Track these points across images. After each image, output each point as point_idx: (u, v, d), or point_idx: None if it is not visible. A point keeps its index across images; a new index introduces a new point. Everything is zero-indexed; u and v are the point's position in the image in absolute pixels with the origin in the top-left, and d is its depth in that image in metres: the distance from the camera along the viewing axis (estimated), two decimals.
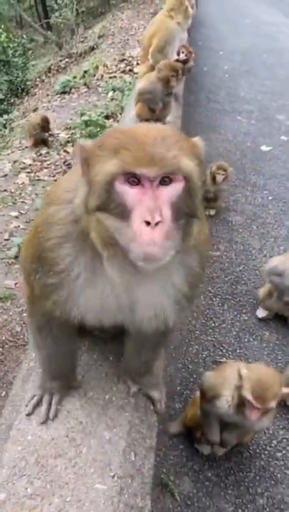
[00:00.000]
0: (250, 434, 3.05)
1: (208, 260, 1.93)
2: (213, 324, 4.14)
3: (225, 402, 2.67)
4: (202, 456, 3.13)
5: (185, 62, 5.83)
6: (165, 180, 1.36)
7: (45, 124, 7.90)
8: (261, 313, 4.22)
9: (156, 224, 1.32)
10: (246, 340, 4.01)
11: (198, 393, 3.07)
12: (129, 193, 1.36)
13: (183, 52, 5.72)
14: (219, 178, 5.21)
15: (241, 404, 2.59)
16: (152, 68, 5.44)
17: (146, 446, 2.05)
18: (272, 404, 2.49)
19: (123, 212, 1.36)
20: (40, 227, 1.68)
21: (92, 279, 1.61)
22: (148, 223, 1.31)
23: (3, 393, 4.23)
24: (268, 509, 2.90)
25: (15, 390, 2.24)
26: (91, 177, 1.40)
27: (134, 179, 1.35)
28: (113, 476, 1.82)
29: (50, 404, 2.07)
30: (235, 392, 2.62)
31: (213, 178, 5.23)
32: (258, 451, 3.20)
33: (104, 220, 1.40)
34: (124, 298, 1.63)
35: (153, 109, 5.12)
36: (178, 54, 5.72)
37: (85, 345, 2.33)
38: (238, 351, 3.90)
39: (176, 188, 1.38)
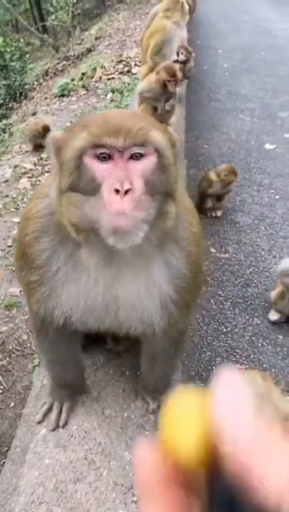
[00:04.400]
0: None
1: (201, 265, 1.76)
2: (225, 329, 4.04)
3: None
4: None
5: (185, 62, 5.74)
6: (136, 155, 1.33)
7: (46, 133, 7.81)
8: (274, 316, 4.13)
9: (126, 193, 1.27)
10: (260, 344, 3.92)
11: None
12: (98, 167, 1.32)
13: (182, 53, 5.63)
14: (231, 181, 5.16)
15: None
16: (152, 69, 5.36)
17: None
18: None
19: (94, 188, 1.32)
20: (21, 223, 1.70)
21: (72, 273, 1.56)
22: (117, 191, 1.27)
23: (12, 404, 4.15)
24: None
25: (28, 409, 2.15)
26: (62, 159, 1.37)
27: (103, 154, 1.32)
28: (136, 502, 1.73)
29: (60, 411, 2.02)
30: None
31: (229, 183, 5.16)
32: None
33: (75, 198, 1.36)
34: (106, 295, 1.57)
35: (155, 108, 5.03)
36: (177, 55, 5.62)
37: (100, 360, 2.24)
38: (252, 356, 3.81)
39: (147, 162, 1.34)
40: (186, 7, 5.75)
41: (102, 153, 1.31)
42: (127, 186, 1.27)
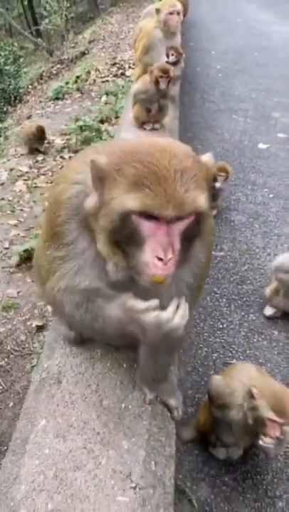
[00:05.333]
0: None
1: (212, 250, 1.89)
2: (221, 325, 4.09)
3: (236, 416, 2.63)
4: (218, 460, 3.08)
5: (175, 63, 5.76)
6: (180, 217, 1.43)
7: (41, 134, 7.88)
8: (269, 311, 4.18)
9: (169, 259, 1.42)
10: (255, 340, 3.97)
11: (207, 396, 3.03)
12: (144, 226, 1.42)
13: (172, 55, 5.64)
14: (220, 179, 5.18)
15: (258, 422, 2.53)
16: (145, 70, 5.41)
17: (166, 455, 2.00)
18: None
19: (135, 239, 1.44)
20: (51, 204, 1.79)
21: (94, 257, 1.68)
22: (160, 259, 1.41)
23: (11, 404, 4.18)
24: (287, 511, 2.86)
25: (28, 402, 2.18)
26: (106, 198, 1.45)
27: (151, 217, 1.41)
28: (134, 487, 1.77)
29: None
30: (248, 412, 2.57)
31: (214, 180, 5.19)
32: None
33: (114, 243, 1.50)
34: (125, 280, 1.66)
35: (149, 109, 5.09)
36: (167, 56, 5.64)
37: (98, 353, 2.28)
38: (247, 352, 3.85)
39: (188, 222, 1.46)
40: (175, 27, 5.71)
41: (150, 216, 1.40)
42: (170, 255, 1.41)
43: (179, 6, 5.45)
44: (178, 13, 5.39)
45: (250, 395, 2.53)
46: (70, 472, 1.80)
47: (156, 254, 1.41)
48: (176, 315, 1.54)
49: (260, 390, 2.52)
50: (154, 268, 1.43)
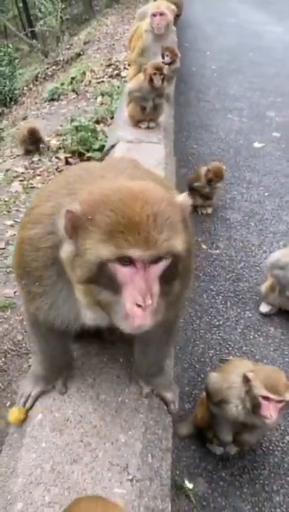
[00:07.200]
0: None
1: (193, 246, 1.87)
2: (217, 322, 4.10)
3: (235, 409, 2.65)
4: (215, 456, 3.09)
5: (170, 64, 5.77)
6: (156, 260, 1.41)
7: (33, 136, 7.86)
8: (264, 308, 4.19)
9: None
10: (251, 337, 3.98)
11: (204, 393, 3.04)
12: (121, 272, 1.39)
13: (167, 55, 5.66)
14: (215, 182, 5.22)
15: (255, 407, 2.55)
16: (139, 71, 5.43)
17: (163, 448, 2.01)
18: (287, 395, 2.47)
19: (113, 287, 1.40)
20: (24, 246, 1.70)
21: (70, 296, 1.63)
22: (139, 305, 1.37)
23: (8, 403, 4.17)
24: (284, 506, 2.87)
25: None
26: (81, 248, 1.41)
27: (127, 261, 1.38)
28: (131, 480, 1.78)
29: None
30: (246, 398, 2.59)
31: (209, 181, 5.21)
32: (271, 448, 3.16)
33: (92, 292, 1.45)
34: None
35: (143, 108, 5.10)
36: (162, 57, 5.66)
37: (94, 348, 2.30)
38: (244, 348, 3.87)
39: (164, 265, 1.43)
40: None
41: (126, 261, 1.37)
42: (148, 301, 1.37)
43: (162, 8, 5.43)
44: (161, 15, 5.38)
45: (246, 379, 2.57)
46: (67, 465, 1.81)
47: (135, 301, 1.37)
48: None
49: (254, 373, 2.56)
50: (134, 317, 1.38)
